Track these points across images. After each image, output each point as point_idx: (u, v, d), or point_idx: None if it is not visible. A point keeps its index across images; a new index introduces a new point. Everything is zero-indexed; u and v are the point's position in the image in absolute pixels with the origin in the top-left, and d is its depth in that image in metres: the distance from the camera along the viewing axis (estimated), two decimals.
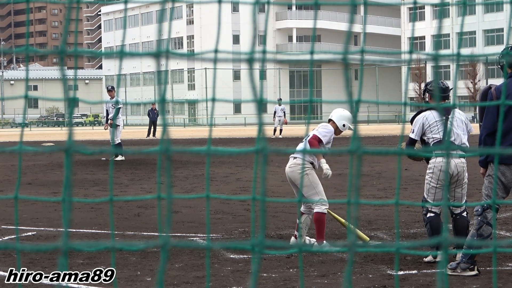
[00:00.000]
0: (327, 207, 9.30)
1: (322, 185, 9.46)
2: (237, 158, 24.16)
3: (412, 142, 8.44)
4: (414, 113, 8.59)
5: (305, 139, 9.36)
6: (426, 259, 8.28)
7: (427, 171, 8.31)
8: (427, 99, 8.65)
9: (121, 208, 12.84)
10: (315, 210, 9.24)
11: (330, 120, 9.60)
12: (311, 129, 9.65)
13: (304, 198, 9.30)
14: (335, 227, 10.57)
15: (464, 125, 8.45)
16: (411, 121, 8.56)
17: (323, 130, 9.31)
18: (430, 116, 8.35)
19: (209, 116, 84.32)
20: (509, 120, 7.44)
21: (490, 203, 7.42)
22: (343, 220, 9.68)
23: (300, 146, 9.49)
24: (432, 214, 8.32)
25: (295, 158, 9.38)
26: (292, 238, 9.77)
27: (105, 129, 25.79)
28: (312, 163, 9.33)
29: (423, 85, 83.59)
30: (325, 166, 9.17)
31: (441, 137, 8.21)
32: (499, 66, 7.63)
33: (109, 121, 23.95)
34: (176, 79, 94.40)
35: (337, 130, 9.51)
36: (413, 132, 8.39)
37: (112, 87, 23.20)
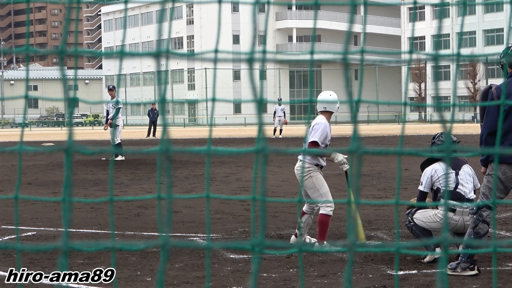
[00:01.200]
0: (333, 208, 9.26)
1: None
2: (237, 158, 24.16)
3: (422, 195, 8.51)
4: (424, 160, 8.65)
5: (305, 142, 9.34)
6: (425, 260, 8.28)
7: (436, 211, 8.38)
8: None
9: (121, 208, 12.84)
10: (320, 212, 9.21)
11: (322, 112, 9.48)
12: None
13: (308, 199, 9.31)
14: (335, 227, 10.57)
15: (471, 179, 8.51)
16: (421, 167, 8.63)
17: (316, 133, 9.22)
18: (439, 169, 8.38)
19: (209, 116, 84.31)
20: (509, 120, 7.48)
21: (490, 203, 7.43)
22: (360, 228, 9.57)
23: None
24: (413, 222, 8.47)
25: (300, 160, 9.37)
26: (293, 237, 9.76)
27: (105, 130, 25.75)
28: (317, 165, 9.30)
29: (423, 85, 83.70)
30: (340, 157, 9.20)
31: (452, 187, 8.34)
32: (500, 66, 7.68)
33: (108, 121, 23.95)
34: (176, 79, 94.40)
35: (330, 117, 9.46)
36: (421, 184, 8.46)
37: (113, 87, 23.16)
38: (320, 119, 9.34)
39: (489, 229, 7.74)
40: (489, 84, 8.14)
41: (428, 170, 8.44)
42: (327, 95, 9.52)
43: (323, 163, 9.38)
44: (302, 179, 8.83)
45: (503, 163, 7.48)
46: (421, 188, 8.47)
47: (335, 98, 9.47)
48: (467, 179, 8.46)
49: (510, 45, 7.68)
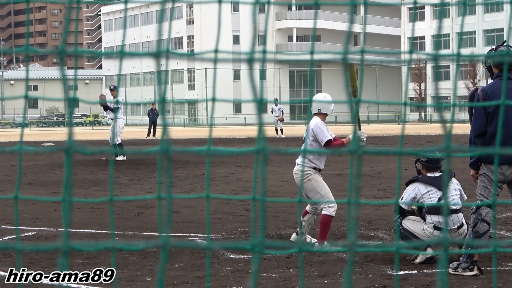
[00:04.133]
0: (335, 209, 9.25)
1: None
2: (237, 158, 24.16)
3: (400, 208, 8.52)
4: (410, 179, 8.64)
5: (304, 143, 9.34)
6: (417, 260, 8.26)
7: (426, 226, 8.40)
8: (419, 168, 8.66)
9: (121, 208, 12.84)
10: (323, 212, 9.20)
11: (316, 113, 9.44)
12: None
13: (309, 200, 9.33)
14: (335, 227, 10.57)
15: (457, 192, 8.53)
16: (406, 184, 8.65)
17: (323, 132, 9.22)
18: (422, 188, 8.39)
19: (209, 116, 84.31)
20: (495, 122, 7.52)
21: (490, 203, 7.46)
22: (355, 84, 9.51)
23: (301, 156, 9.42)
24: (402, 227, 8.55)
25: (298, 164, 9.36)
26: (293, 234, 9.76)
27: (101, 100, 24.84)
28: (315, 168, 9.29)
29: (423, 85, 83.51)
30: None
31: (435, 201, 8.37)
32: (486, 67, 7.81)
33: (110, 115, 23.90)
34: (176, 79, 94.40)
35: (325, 119, 9.44)
36: (402, 199, 8.49)
37: (114, 87, 23.14)
38: (316, 120, 9.34)
39: (490, 229, 7.76)
40: (475, 86, 8.22)
41: (410, 189, 8.44)
42: (321, 97, 9.51)
43: (322, 166, 9.37)
44: (302, 182, 8.81)
45: (492, 163, 7.53)
46: (400, 201, 8.46)
47: (329, 100, 9.44)
48: (451, 193, 8.45)
49: (494, 46, 7.78)
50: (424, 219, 8.45)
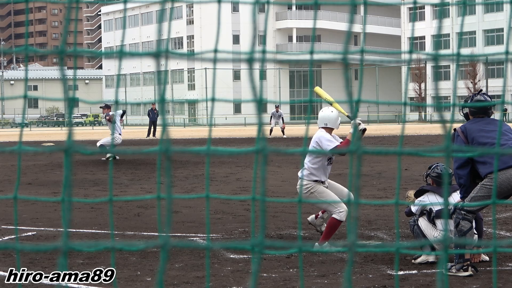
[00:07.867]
0: (346, 214, 9.19)
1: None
2: (237, 158, 24.16)
3: (411, 213, 8.76)
4: (420, 188, 8.76)
5: (303, 167, 9.35)
6: (417, 260, 8.27)
7: (437, 234, 8.45)
8: (429, 183, 8.72)
9: (121, 208, 12.84)
10: (333, 216, 9.18)
11: (323, 127, 9.35)
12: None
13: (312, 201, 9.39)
14: None
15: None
16: (415, 195, 8.76)
17: (328, 141, 9.17)
18: (434, 201, 8.50)
19: (209, 116, 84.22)
20: (476, 145, 7.81)
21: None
22: (327, 96, 9.63)
23: (303, 170, 9.41)
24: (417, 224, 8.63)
25: (300, 178, 9.36)
26: (312, 216, 9.84)
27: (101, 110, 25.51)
28: (316, 180, 9.27)
29: (423, 85, 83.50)
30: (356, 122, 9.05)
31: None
32: (462, 115, 8.24)
33: (107, 118, 23.98)
34: (176, 79, 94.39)
35: (331, 133, 9.37)
36: (414, 206, 8.62)
37: (106, 105, 23.47)
38: (321, 132, 9.26)
39: (472, 226, 7.81)
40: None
41: (425, 200, 8.55)
42: (328, 112, 9.39)
43: (323, 178, 9.32)
44: (303, 196, 8.75)
45: (492, 172, 7.62)
46: (413, 208, 8.60)
47: (336, 115, 9.37)
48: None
49: (471, 94, 8.28)
50: (433, 223, 8.48)
